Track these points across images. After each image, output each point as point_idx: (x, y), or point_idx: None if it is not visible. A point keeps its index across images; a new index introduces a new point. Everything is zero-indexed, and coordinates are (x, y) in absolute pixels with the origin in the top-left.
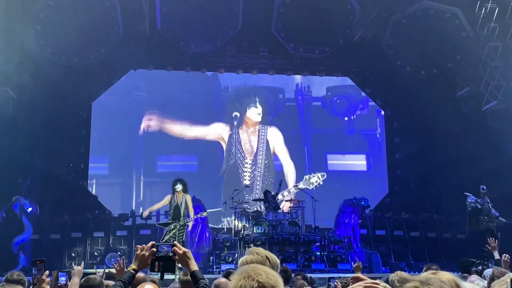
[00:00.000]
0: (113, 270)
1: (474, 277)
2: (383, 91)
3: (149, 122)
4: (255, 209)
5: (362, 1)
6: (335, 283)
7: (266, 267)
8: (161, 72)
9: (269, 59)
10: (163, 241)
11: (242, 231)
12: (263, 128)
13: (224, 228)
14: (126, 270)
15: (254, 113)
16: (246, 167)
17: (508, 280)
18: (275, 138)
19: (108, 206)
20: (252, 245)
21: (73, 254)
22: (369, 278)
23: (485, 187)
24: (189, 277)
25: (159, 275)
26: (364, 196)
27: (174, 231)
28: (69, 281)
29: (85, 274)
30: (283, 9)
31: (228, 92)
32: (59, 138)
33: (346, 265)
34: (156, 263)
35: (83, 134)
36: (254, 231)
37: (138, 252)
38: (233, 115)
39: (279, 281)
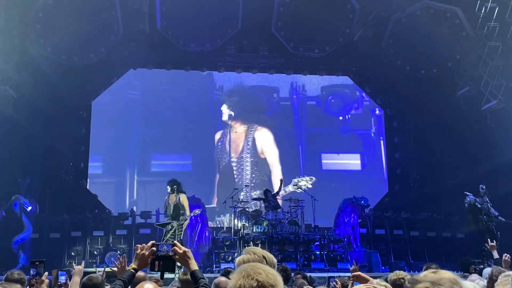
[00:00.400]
0: (115, 269)
1: (474, 276)
2: (383, 91)
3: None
4: (255, 205)
5: (362, 0)
6: (335, 282)
7: (265, 266)
8: (156, 71)
9: (269, 58)
10: (164, 241)
11: (242, 230)
12: (252, 127)
13: (223, 227)
14: (126, 269)
15: (223, 111)
16: (233, 166)
17: (510, 279)
18: (264, 138)
19: (104, 205)
20: (251, 244)
21: (72, 253)
22: (369, 277)
23: (484, 187)
24: (189, 276)
25: (159, 274)
26: (363, 196)
27: (171, 231)
28: (69, 280)
29: (85, 273)
30: (283, 8)
31: (223, 91)
32: (59, 137)
33: (345, 264)
34: (156, 262)
35: (83, 133)
36: (254, 230)
37: (138, 251)
38: (229, 114)
39: (279, 280)
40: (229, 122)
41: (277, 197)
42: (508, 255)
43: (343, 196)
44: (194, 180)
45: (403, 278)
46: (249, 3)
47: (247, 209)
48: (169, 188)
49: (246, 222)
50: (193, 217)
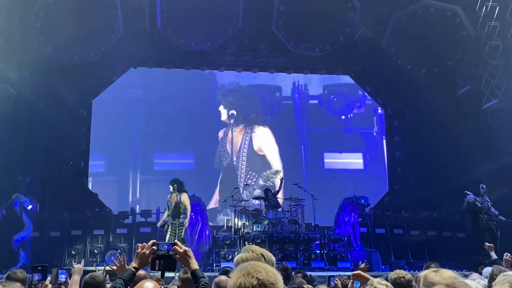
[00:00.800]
0: (114, 267)
1: (475, 275)
2: (383, 90)
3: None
4: (257, 200)
5: None
6: (335, 282)
7: (265, 264)
8: (158, 69)
9: (269, 57)
10: (165, 240)
11: (242, 229)
12: (249, 126)
13: (224, 225)
14: (127, 267)
15: (223, 114)
16: (234, 164)
17: (508, 279)
18: (262, 136)
19: (105, 203)
20: (252, 243)
21: (73, 252)
22: (369, 276)
23: (484, 186)
24: (189, 275)
25: (160, 273)
26: (363, 195)
27: (169, 229)
28: (69, 278)
29: (85, 272)
30: (284, 7)
31: (224, 90)
32: (59, 136)
33: (345, 263)
34: (157, 261)
35: (83, 132)
36: (254, 229)
37: (139, 250)
38: (230, 113)
39: (279, 278)
40: (230, 121)
41: (277, 196)
42: (509, 254)
43: (345, 195)
44: (196, 179)
45: (403, 277)
46: (250, 2)
47: (247, 208)
48: (171, 187)
49: (246, 221)
50: (193, 216)
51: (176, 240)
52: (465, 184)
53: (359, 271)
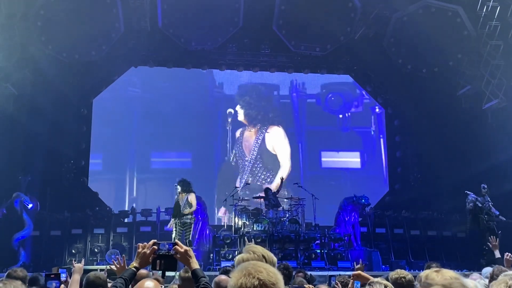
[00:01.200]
0: (113, 267)
1: (475, 275)
2: (384, 89)
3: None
4: (259, 195)
5: None
6: (335, 283)
7: (266, 264)
8: (156, 68)
9: (270, 56)
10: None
11: (242, 229)
12: (264, 127)
13: (224, 225)
14: (127, 267)
15: (238, 111)
16: (246, 165)
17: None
18: (276, 136)
19: (105, 202)
20: (253, 242)
21: (73, 251)
22: (369, 276)
23: (486, 186)
24: (190, 274)
25: (160, 273)
26: (363, 194)
27: (174, 229)
28: (69, 277)
29: (85, 271)
30: (284, 6)
31: (222, 88)
32: (60, 135)
33: (346, 263)
34: (158, 261)
35: (83, 131)
36: (254, 228)
37: (140, 250)
38: (227, 111)
39: (279, 278)
40: (242, 121)
41: (277, 195)
42: (509, 254)
43: (342, 194)
44: (194, 178)
45: (404, 278)
46: (251, 1)
47: (247, 207)
48: (178, 188)
49: (246, 221)
50: (199, 216)
51: (176, 240)
52: (465, 184)
53: (359, 271)
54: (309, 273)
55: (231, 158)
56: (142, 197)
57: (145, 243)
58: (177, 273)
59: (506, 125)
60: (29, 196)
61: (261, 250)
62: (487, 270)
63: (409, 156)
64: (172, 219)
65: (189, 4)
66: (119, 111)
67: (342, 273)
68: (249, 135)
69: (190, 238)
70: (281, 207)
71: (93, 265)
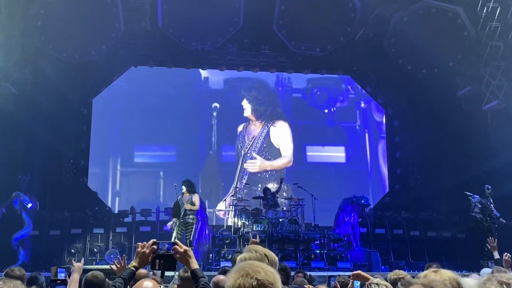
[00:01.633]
0: (113, 266)
1: (474, 276)
2: (384, 90)
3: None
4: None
5: None
6: (335, 283)
7: (263, 264)
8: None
9: (270, 56)
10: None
11: (242, 229)
12: (271, 121)
13: (223, 225)
14: (127, 267)
15: (244, 106)
16: (247, 158)
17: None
18: (281, 131)
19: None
20: (257, 237)
21: (72, 250)
22: (369, 276)
23: (490, 187)
24: (189, 274)
25: (160, 272)
26: (363, 195)
27: (175, 228)
28: (69, 277)
29: (84, 270)
30: (285, 6)
31: (207, 83)
32: (60, 134)
33: (345, 264)
34: (157, 261)
35: (83, 130)
36: (254, 228)
37: (139, 249)
38: (213, 106)
39: (277, 277)
40: (248, 116)
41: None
42: (508, 254)
43: (327, 188)
44: (178, 171)
45: (403, 278)
46: (251, 1)
47: (247, 207)
48: (184, 188)
49: (246, 221)
50: (198, 216)
51: (176, 240)
52: (465, 185)
53: (359, 271)
54: (308, 273)
55: (235, 155)
56: (125, 191)
57: (145, 242)
58: (177, 273)
59: (506, 126)
60: (28, 195)
61: (262, 249)
62: (486, 271)
63: (409, 157)
64: (174, 219)
65: (189, 4)
66: (102, 105)
67: (341, 273)
68: (253, 129)
69: (191, 239)
70: (280, 208)
71: (92, 264)
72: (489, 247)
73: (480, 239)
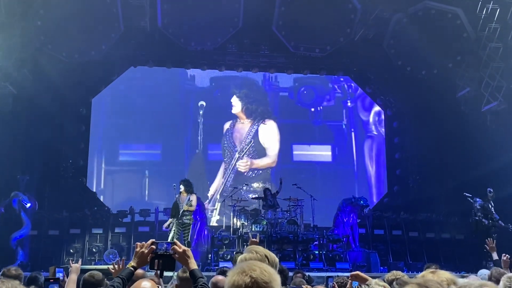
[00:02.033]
0: (111, 267)
1: (473, 277)
2: (383, 91)
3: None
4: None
5: (363, 0)
6: (333, 284)
7: (263, 264)
8: None
9: (269, 57)
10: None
11: (241, 229)
12: (258, 121)
13: (222, 225)
14: (125, 267)
15: (233, 103)
16: (236, 155)
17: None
18: (269, 130)
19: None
20: (258, 236)
21: (71, 250)
22: (368, 276)
23: (492, 190)
24: (187, 274)
25: (158, 272)
26: (362, 196)
27: (173, 229)
28: (67, 277)
29: (83, 271)
30: (284, 7)
31: (194, 81)
32: (59, 134)
33: (344, 264)
34: (156, 261)
35: (82, 130)
36: (253, 229)
37: (138, 249)
38: (199, 104)
39: (274, 278)
40: (237, 113)
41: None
42: (507, 255)
43: (313, 186)
44: (164, 170)
45: (400, 279)
46: (250, 2)
47: (246, 208)
48: (182, 187)
49: (245, 221)
50: (197, 217)
51: (175, 240)
52: (464, 186)
53: (357, 272)
54: (307, 274)
55: (222, 153)
56: (110, 189)
57: (143, 242)
58: (175, 273)
59: (505, 127)
60: (27, 195)
61: (263, 250)
62: (483, 272)
63: (408, 158)
64: (170, 219)
65: (189, 4)
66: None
67: (340, 274)
68: (241, 127)
69: (189, 239)
70: (279, 208)
71: (91, 264)
72: (488, 248)
73: (482, 241)
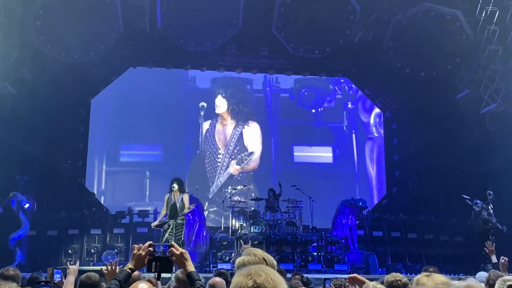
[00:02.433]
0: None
1: (470, 279)
2: (382, 93)
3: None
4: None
5: (363, 2)
6: (330, 287)
7: (271, 270)
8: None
9: (269, 58)
10: (163, 240)
11: (240, 230)
12: (242, 122)
13: (221, 227)
14: (123, 269)
15: (217, 103)
16: (219, 158)
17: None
18: (252, 132)
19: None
20: (249, 243)
21: (69, 251)
22: (366, 279)
23: (491, 193)
24: (185, 276)
25: (156, 275)
26: (361, 197)
27: (169, 230)
28: (64, 278)
29: (81, 272)
30: (284, 8)
31: (195, 82)
32: (58, 135)
33: (343, 266)
34: (153, 263)
35: (81, 130)
36: (251, 230)
37: (135, 251)
38: (200, 105)
39: (279, 286)
40: (221, 114)
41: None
42: (505, 258)
43: (314, 188)
44: (165, 171)
45: (400, 281)
46: (250, 3)
47: (245, 209)
48: (176, 186)
49: (244, 222)
50: (190, 216)
51: (173, 242)
52: (463, 188)
53: (355, 274)
54: (305, 275)
55: (203, 154)
56: (111, 189)
57: (141, 244)
58: (173, 275)
59: (504, 129)
60: (26, 195)
61: (261, 253)
62: (481, 274)
63: (407, 160)
64: (167, 220)
65: (188, 5)
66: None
67: (338, 276)
68: (223, 129)
69: (183, 238)
70: (278, 211)
71: (89, 265)
72: (487, 251)
73: (481, 244)
